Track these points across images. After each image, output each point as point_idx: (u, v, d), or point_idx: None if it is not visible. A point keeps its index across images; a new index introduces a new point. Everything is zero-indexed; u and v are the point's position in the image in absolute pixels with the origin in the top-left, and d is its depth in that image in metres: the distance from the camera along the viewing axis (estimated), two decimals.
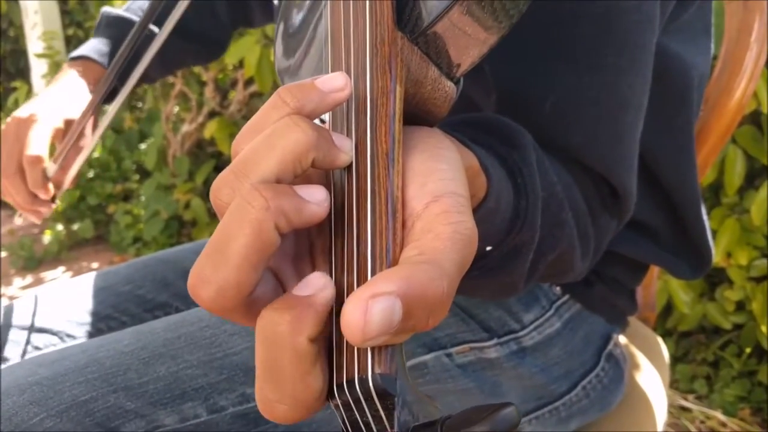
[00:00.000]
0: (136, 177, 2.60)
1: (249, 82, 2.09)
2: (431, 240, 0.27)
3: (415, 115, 0.33)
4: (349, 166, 0.30)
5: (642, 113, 0.56)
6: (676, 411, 1.49)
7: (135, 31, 0.75)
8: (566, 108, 0.53)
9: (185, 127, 2.32)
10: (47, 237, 2.61)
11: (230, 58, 1.87)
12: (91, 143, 0.79)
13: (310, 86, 0.29)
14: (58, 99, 0.80)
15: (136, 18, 0.86)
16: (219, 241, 0.26)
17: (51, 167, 0.77)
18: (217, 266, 0.26)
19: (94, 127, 0.79)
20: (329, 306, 0.27)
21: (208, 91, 2.21)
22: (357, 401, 0.27)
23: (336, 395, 0.28)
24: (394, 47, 0.30)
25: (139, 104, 2.70)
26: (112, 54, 0.84)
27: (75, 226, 2.62)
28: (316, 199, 0.28)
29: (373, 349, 0.26)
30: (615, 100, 0.53)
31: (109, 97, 0.80)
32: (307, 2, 0.43)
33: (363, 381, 0.26)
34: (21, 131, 0.77)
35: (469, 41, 0.32)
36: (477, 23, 0.32)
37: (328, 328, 0.28)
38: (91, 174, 2.62)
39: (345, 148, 0.29)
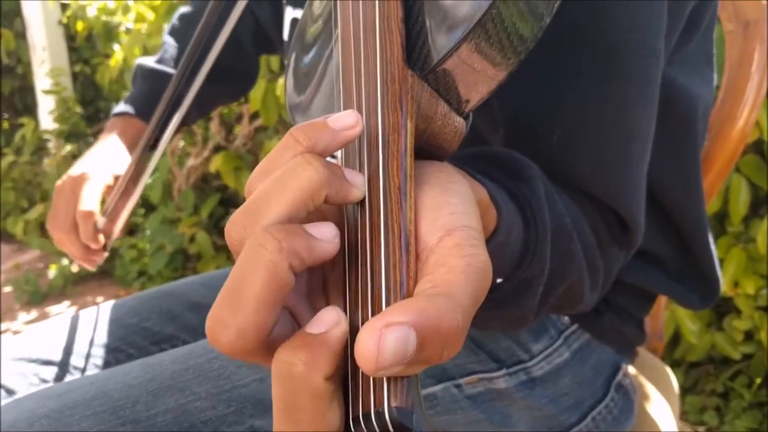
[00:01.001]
0: (142, 211, 2.60)
1: (254, 116, 2.11)
2: (445, 273, 0.27)
3: (426, 150, 0.34)
4: (362, 201, 0.30)
5: (649, 145, 0.56)
6: None
7: (173, 84, 0.81)
8: (573, 140, 0.53)
9: (190, 161, 2.33)
10: (52, 271, 2.61)
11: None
12: (135, 193, 0.85)
13: (321, 125, 0.30)
14: (105, 157, 0.88)
15: (170, 70, 0.92)
16: (235, 285, 0.27)
17: (101, 220, 0.85)
18: (235, 310, 0.26)
19: (137, 178, 0.86)
20: (343, 341, 0.27)
21: (214, 126, 2.23)
22: None
23: (352, 429, 0.28)
24: (405, 85, 0.31)
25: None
26: (148, 107, 0.91)
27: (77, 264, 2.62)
28: (326, 236, 0.28)
29: (389, 381, 0.26)
30: (621, 132, 0.54)
31: (151, 147, 0.87)
32: (319, 39, 0.44)
33: (379, 414, 0.26)
34: (75, 188, 0.85)
35: (478, 77, 0.33)
36: (485, 60, 0.32)
37: (343, 363, 0.28)
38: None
39: (357, 184, 0.30)
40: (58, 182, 0.87)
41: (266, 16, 0.91)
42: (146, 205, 2.60)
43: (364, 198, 0.30)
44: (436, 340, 0.25)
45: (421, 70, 0.32)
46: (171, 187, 2.44)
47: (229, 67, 0.94)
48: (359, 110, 0.32)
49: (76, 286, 2.59)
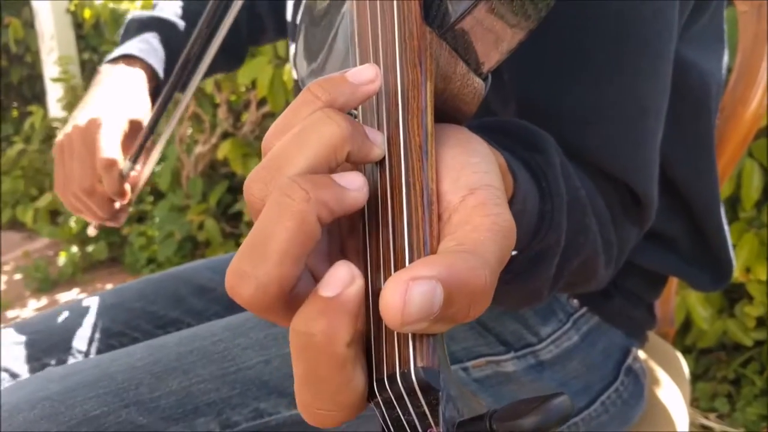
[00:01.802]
0: (150, 199, 2.61)
1: (262, 102, 2.10)
2: (470, 231, 0.27)
3: (445, 113, 0.33)
4: (382, 161, 0.29)
5: (662, 120, 0.55)
6: (698, 430, 1.46)
7: (195, 36, 0.73)
8: (586, 114, 0.52)
9: (198, 149, 2.33)
10: (62, 259, 2.62)
11: (243, 78, 1.88)
12: (161, 141, 0.76)
13: (340, 79, 0.29)
14: (114, 98, 0.76)
15: (173, 18, 0.84)
16: (258, 237, 0.26)
17: (125, 167, 0.74)
18: (258, 262, 0.25)
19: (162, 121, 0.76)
20: (360, 301, 0.26)
21: (221, 113, 2.22)
22: (399, 397, 0.26)
23: (377, 393, 0.27)
24: (424, 41, 0.30)
25: None
26: (161, 52, 0.82)
27: (89, 248, 2.64)
28: (355, 185, 0.27)
29: (414, 341, 0.25)
30: (635, 106, 0.53)
31: (174, 92, 0.77)
32: (330, 7, 0.43)
33: (405, 375, 0.25)
34: (88, 137, 0.73)
35: (497, 37, 0.32)
36: (503, 20, 0.32)
37: (364, 325, 0.27)
38: None
39: (378, 142, 0.29)
40: (59, 137, 0.75)
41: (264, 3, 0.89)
42: (155, 192, 2.60)
43: (384, 157, 0.29)
44: (464, 296, 0.24)
45: (439, 28, 0.31)
46: (179, 174, 2.44)
47: (228, 43, 0.91)
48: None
49: (85, 274, 2.60)
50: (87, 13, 2.68)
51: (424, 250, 0.27)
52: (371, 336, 0.27)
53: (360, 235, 0.30)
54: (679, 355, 0.86)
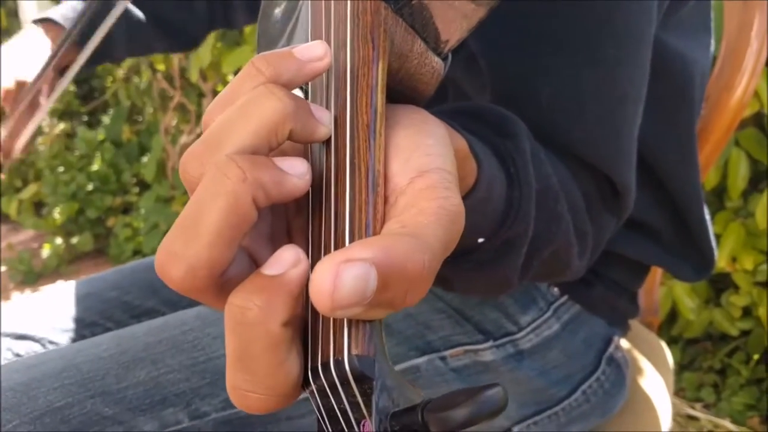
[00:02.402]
0: (136, 190, 2.59)
1: None
2: (415, 215, 0.26)
3: (401, 93, 0.32)
4: (328, 140, 0.28)
5: (640, 106, 0.54)
6: (684, 420, 1.46)
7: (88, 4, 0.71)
8: (564, 101, 0.51)
9: (184, 139, 2.31)
10: (46, 251, 2.60)
11: (227, 67, 1.86)
12: (44, 109, 0.74)
13: (287, 54, 0.28)
14: (12, 57, 0.76)
15: None
16: (190, 216, 0.24)
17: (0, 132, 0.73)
18: (188, 242, 0.24)
19: (49, 92, 0.74)
20: (302, 284, 0.25)
21: (207, 103, 2.20)
22: (333, 386, 0.25)
23: (311, 381, 0.26)
24: (377, 16, 0.29)
25: (139, 117, 2.70)
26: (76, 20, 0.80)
27: (74, 240, 2.61)
28: (297, 171, 0.26)
29: (349, 328, 0.24)
30: (614, 93, 0.52)
31: (66, 66, 0.75)
32: None
33: (339, 363, 0.25)
34: None
35: (456, 13, 0.31)
36: None
37: (303, 309, 0.26)
38: (90, 187, 2.61)
39: (324, 120, 0.28)
40: None
41: None
42: (140, 183, 2.58)
43: (331, 137, 0.28)
44: (400, 281, 0.23)
45: (395, 3, 0.30)
46: (165, 165, 2.42)
47: (174, 21, 0.89)
48: (328, 44, 0.30)
49: (70, 266, 2.58)
50: None
51: (366, 233, 0.26)
52: (308, 323, 0.26)
53: (306, 215, 0.29)
54: (664, 344, 0.85)
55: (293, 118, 0.26)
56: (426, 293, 0.25)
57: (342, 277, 0.22)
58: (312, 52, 0.28)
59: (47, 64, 0.73)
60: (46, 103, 0.74)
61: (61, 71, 0.74)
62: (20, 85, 0.75)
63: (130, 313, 0.76)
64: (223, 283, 0.25)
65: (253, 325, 0.24)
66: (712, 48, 0.67)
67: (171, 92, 2.28)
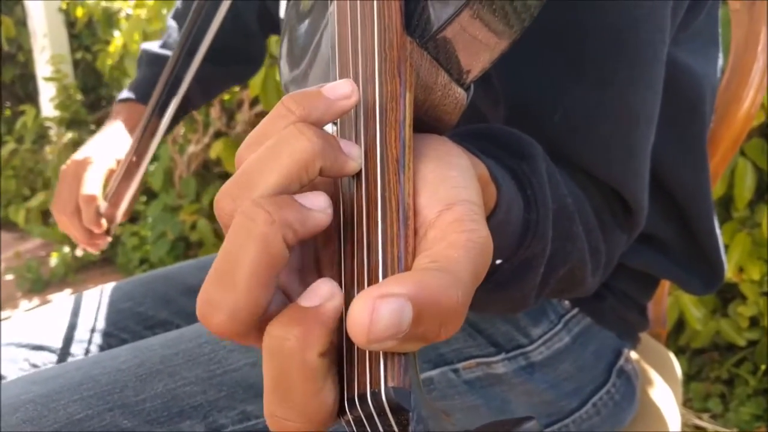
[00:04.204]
0: (143, 198, 2.60)
1: (254, 101, 2.10)
2: (445, 248, 0.26)
3: (425, 123, 0.33)
4: (359, 174, 0.29)
5: (653, 126, 0.55)
6: (691, 430, 1.46)
7: (168, 66, 0.80)
8: (577, 121, 0.51)
9: (191, 148, 2.32)
10: (54, 259, 2.61)
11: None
12: (137, 178, 0.85)
13: (316, 94, 0.29)
14: (109, 142, 0.88)
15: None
16: (225, 262, 0.25)
17: (103, 204, 0.85)
18: (226, 289, 0.25)
19: (138, 162, 0.86)
20: (338, 316, 0.26)
21: (214, 112, 2.21)
22: (369, 417, 0.26)
23: (347, 411, 0.26)
24: (403, 51, 0.30)
25: None
26: (151, 92, 0.89)
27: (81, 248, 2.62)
28: (318, 206, 0.27)
29: (385, 360, 0.25)
30: (626, 114, 0.52)
31: (153, 132, 0.86)
32: (312, 12, 0.43)
33: (375, 395, 0.25)
34: (78, 172, 0.85)
35: (480, 46, 0.32)
36: (487, 28, 0.31)
37: (338, 340, 0.27)
38: None
39: (353, 155, 0.28)
40: (63, 166, 0.87)
41: None
42: (148, 192, 2.59)
43: (361, 170, 0.29)
44: (434, 315, 0.24)
45: (421, 38, 0.30)
46: (172, 174, 2.43)
47: (235, 49, 0.93)
48: (356, 79, 0.31)
49: (77, 274, 2.59)
50: (79, 12, 2.67)
51: (398, 267, 0.26)
52: (344, 353, 0.27)
53: (335, 248, 0.30)
54: (672, 355, 0.85)
55: (323, 156, 0.27)
56: (460, 327, 0.25)
57: (378, 311, 0.23)
58: (340, 90, 0.29)
59: (136, 140, 0.84)
60: (139, 171, 0.85)
61: (148, 138, 0.85)
62: (119, 163, 0.87)
63: (143, 324, 0.76)
64: (263, 324, 0.26)
65: (290, 355, 0.25)
66: (721, 61, 0.68)
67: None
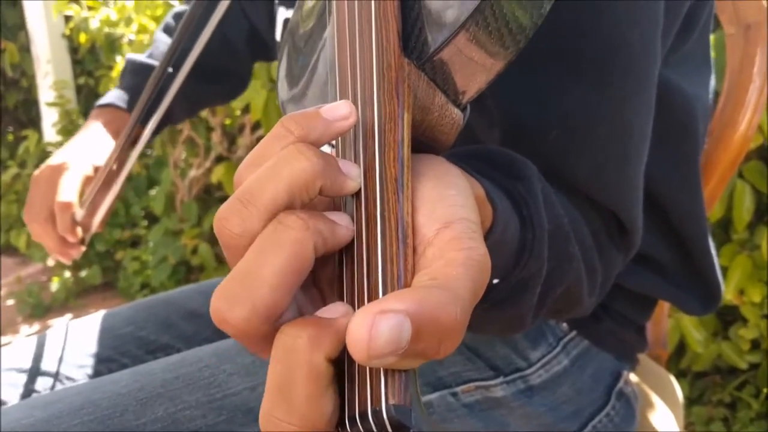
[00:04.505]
0: (144, 223, 2.60)
1: (256, 126, 2.11)
2: (443, 266, 0.27)
3: (422, 143, 0.33)
4: (358, 193, 0.30)
5: (646, 144, 0.55)
6: None
7: (154, 77, 0.78)
8: (570, 139, 0.52)
9: (193, 172, 2.33)
10: (55, 284, 2.61)
11: (237, 102, 1.89)
12: (115, 187, 0.82)
13: (314, 115, 0.29)
14: (87, 147, 0.84)
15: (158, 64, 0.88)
16: (251, 263, 0.26)
17: (79, 212, 0.81)
18: (251, 287, 0.26)
19: (119, 170, 0.82)
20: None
21: (216, 136, 2.23)
22: None
23: (348, 428, 0.27)
24: (401, 73, 0.30)
25: (148, 151, 2.73)
26: (135, 100, 0.87)
27: (83, 273, 2.62)
28: (344, 222, 0.28)
29: (386, 378, 0.25)
30: (619, 131, 0.53)
31: (134, 141, 0.83)
32: (311, 32, 0.43)
33: (376, 413, 0.25)
34: (53, 178, 0.81)
35: (476, 67, 0.32)
36: (483, 50, 0.32)
37: (341, 360, 0.27)
38: None
39: (352, 175, 0.29)
40: (36, 172, 0.83)
41: (260, 18, 0.90)
42: (149, 216, 2.60)
43: (360, 190, 0.29)
44: (433, 332, 0.24)
45: (418, 60, 0.31)
46: (174, 198, 2.44)
47: (222, 68, 0.93)
48: (354, 100, 0.31)
49: (78, 299, 2.58)
50: (83, 38, 2.69)
51: (398, 284, 0.27)
52: (345, 372, 0.27)
53: (333, 266, 0.30)
54: (672, 378, 0.85)
55: (322, 176, 0.28)
56: (459, 342, 0.26)
57: (378, 327, 0.23)
58: (338, 111, 0.30)
59: (117, 148, 0.81)
60: (119, 180, 0.82)
61: (129, 147, 0.83)
62: (97, 170, 0.84)
63: (145, 349, 0.77)
64: (274, 330, 0.27)
65: (300, 352, 0.25)
66: (714, 83, 0.69)
67: (180, 126, 2.31)
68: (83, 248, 0.85)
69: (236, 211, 0.27)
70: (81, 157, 0.83)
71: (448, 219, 0.28)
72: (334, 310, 0.27)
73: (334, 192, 0.29)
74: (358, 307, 0.28)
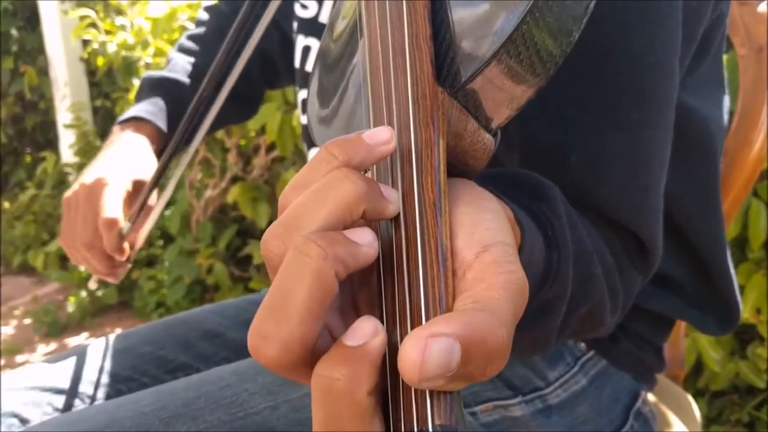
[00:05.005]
0: (160, 242, 2.62)
1: (271, 147, 2.13)
2: (485, 289, 0.27)
3: (455, 168, 0.34)
4: (396, 218, 0.30)
5: (665, 166, 0.56)
6: None
7: (202, 90, 0.76)
8: (591, 163, 0.53)
9: (208, 193, 2.35)
10: (71, 303, 2.62)
11: (252, 124, 1.91)
12: (161, 201, 0.79)
13: (357, 140, 0.30)
14: (121, 161, 0.81)
15: (181, 78, 0.88)
16: (278, 296, 0.26)
17: (125, 227, 0.78)
18: (280, 322, 0.26)
19: (162, 184, 0.79)
20: (383, 353, 0.27)
21: (231, 157, 2.25)
22: None
23: None
24: (436, 101, 0.31)
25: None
26: (167, 112, 0.85)
27: (99, 292, 2.64)
28: (366, 241, 0.28)
29: (432, 398, 0.26)
30: (640, 155, 0.54)
31: (177, 149, 0.80)
32: (341, 55, 0.44)
33: None
34: (93, 196, 0.77)
35: (506, 94, 0.33)
36: (514, 78, 0.32)
37: (382, 380, 0.27)
38: None
39: (392, 199, 0.30)
40: (67, 194, 0.79)
41: (272, 43, 0.91)
42: (165, 236, 2.61)
43: (398, 214, 0.30)
44: (481, 355, 0.25)
45: (451, 88, 0.32)
46: (189, 218, 2.46)
47: (237, 92, 0.94)
48: (390, 126, 0.32)
49: (94, 318, 2.60)
50: (100, 61, 2.73)
51: (440, 307, 0.27)
52: (389, 392, 0.28)
53: (372, 289, 0.31)
54: (690, 397, 0.85)
55: (366, 199, 0.28)
56: (505, 364, 0.26)
57: (429, 350, 0.24)
58: (379, 136, 0.31)
59: (163, 163, 0.77)
60: (163, 196, 0.79)
61: (173, 159, 0.80)
62: (135, 184, 0.80)
63: (164, 368, 0.77)
64: (312, 358, 0.27)
65: (340, 395, 0.26)
66: (728, 104, 0.69)
67: (196, 148, 2.33)
68: (129, 266, 0.82)
69: (280, 235, 0.28)
70: (117, 171, 0.79)
71: (486, 243, 0.29)
72: (360, 331, 0.27)
73: (376, 216, 0.29)
74: (401, 330, 0.28)
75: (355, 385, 0.25)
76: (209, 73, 0.76)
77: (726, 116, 0.68)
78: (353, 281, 0.32)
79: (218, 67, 0.76)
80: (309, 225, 0.28)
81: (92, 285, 0.88)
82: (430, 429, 0.26)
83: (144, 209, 0.78)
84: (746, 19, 0.82)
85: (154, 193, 0.80)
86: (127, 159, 0.81)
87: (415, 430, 0.26)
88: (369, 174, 0.33)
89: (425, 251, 0.29)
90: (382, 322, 0.29)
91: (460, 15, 0.33)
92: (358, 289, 0.32)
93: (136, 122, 0.84)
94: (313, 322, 0.26)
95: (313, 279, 0.26)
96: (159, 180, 0.78)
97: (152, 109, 0.85)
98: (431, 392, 0.26)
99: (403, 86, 0.32)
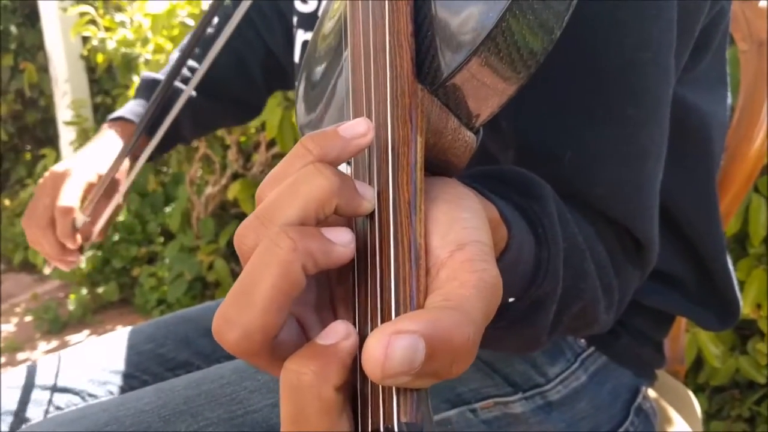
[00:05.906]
0: (161, 239, 2.62)
1: (271, 143, 2.13)
2: (457, 287, 0.27)
3: (436, 166, 0.34)
4: (372, 214, 0.30)
5: (661, 163, 0.56)
6: None
7: (161, 88, 0.78)
8: (586, 160, 0.53)
9: (209, 189, 2.35)
10: (72, 301, 2.63)
11: (253, 120, 1.91)
12: (118, 196, 0.81)
13: (332, 133, 0.30)
14: (92, 156, 0.84)
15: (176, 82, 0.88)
16: (245, 284, 0.27)
17: (80, 219, 0.80)
18: (243, 308, 0.26)
19: (122, 180, 0.82)
20: (353, 354, 0.27)
21: (231, 154, 2.25)
22: None
23: None
24: (415, 98, 0.31)
25: (164, 168, 2.75)
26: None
27: (100, 290, 2.64)
28: (342, 240, 0.28)
29: (398, 396, 0.26)
30: (635, 152, 0.53)
31: (139, 152, 0.82)
32: (328, 57, 0.44)
33: (388, 430, 0.26)
34: (56, 184, 0.81)
35: (488, 92, 0.33)
36: (495, 74, 0.32)
37: (352, 378, 0.28)
38: (116, 237, 2.65)
39: (368, 196, 0.30)
40: (40, 180, 0.83)
41: (276, 41, 0.91)
42: (165, 233, 2.62)
43: (374, 211, 0.30)
44: (446, 352, 0.25)
45: (431, 85, 0.32)
46: (189, 215, 2.46)
47: (235, 91, 0.94)
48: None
49: (95, 315, 2.60)
50: (100, 58, 2.73)
51: (410, 305, 0.27)
52: (357, 391, 0.28)
53: (349, 287, 0.31)
54: (691, 393, 0.85)
55: (339, 195, 0.28)
56: (471, 364, 0.26)
57: (392, 347, 0.24)
58: (356, 129, 0.30)
59: (120, 156, 0.81)
60: (121, 190, 0.82)
61: (134, 159, 0.82)
62: (101, 178, 0.83)
63: (165, 366, 0.77)
64: (275, 347, 0.27)
65: (307, 388, 0.26)
66: (729, 100, 0.69)
67: (196, 143, 2.33)
68: (81, 257, 0.84)
69: (253, 228, 0.28)
70: (85, 165, 0.83)
71: (461, 241, 0.29)
72: (333, 332, 0.27)
73: (350, 212, 0.29)
74: (372, 328, 0.28)
75: (321, 380, 0.26)
76: (171, 70, 0.77)
77: (728, 113, 0.68)
78: (331, 278, 0.32)
79: (180, 63, 0.77)
80: (281, 219, 0.28)
81: (46, 270, 0.90)
82: (396, 427, 0.26)
83: (101, 203, 0.81)
84: (748, 14, 0.82)
85: (122, 189, 0.82)
86: (100, 155, 0.84)
87: (381, 427, 0.26)
88: (349, 170, 0.33)
89: (398, 249, 0.29)
90: (355, 319, 0.29)
91: (443, 12, 0.33)
92: (336, 287, 0.32)
93: (122, 122, 0.88)
94: (276, 312, 0.26)
95: (279, 269, 0.26)
96: (114, 173, 0.80)
97: (139, 110, 0.88)
98: (398, 390, 0.26)
99: (382, 83, 0.32)
